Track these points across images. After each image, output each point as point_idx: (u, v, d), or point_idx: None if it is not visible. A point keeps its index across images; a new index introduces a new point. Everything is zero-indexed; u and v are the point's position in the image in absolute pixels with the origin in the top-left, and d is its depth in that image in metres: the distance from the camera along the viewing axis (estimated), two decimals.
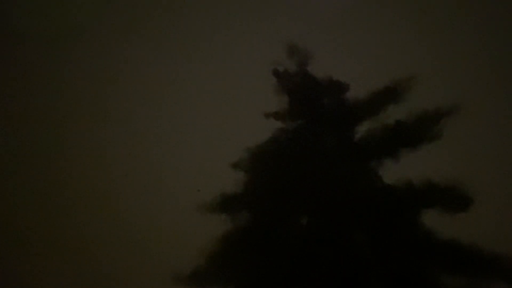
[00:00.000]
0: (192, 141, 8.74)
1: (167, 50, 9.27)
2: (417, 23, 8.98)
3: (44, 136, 8.90)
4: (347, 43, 8.94)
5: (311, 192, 7.93)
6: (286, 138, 8.42)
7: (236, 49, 9.12)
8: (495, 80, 8.46)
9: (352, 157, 8.20)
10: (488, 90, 8.37)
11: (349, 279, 7.41)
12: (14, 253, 8.19)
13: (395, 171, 7.90)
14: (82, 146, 8.89)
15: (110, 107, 9.00)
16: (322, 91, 8.60)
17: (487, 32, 8.70)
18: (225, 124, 8.75)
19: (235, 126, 8.65)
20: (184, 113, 8.91)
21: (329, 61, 8.62)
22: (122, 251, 8.14)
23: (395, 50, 8.80)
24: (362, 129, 8.33)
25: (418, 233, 7.51)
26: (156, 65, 9.15)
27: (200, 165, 8.55)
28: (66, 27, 9.31)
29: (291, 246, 7.69)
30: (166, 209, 8.36)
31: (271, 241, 7.75)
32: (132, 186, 8.58)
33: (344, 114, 8.45)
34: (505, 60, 8.57)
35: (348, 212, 7.74)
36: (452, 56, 8.73)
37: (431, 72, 8.42)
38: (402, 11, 9.05)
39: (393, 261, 7.37)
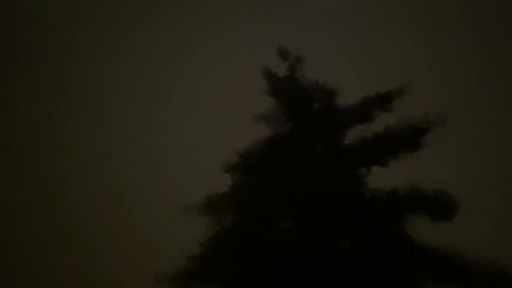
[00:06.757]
0: (180, 143, 8.73)
1: (160, 53, 9.28)
2: (408, 31, 9.07)
3: (41, 136, 8.86)
4: (338, 48, 9.00)
5: (297, 197, 7.88)
6: (275, 142, 8.40)
7: (227, 53, 9.14)
8: (483, 90, 8.55)
9: (340, 163, 8.19)
10: (476, 99, 8.46)
11: (334, 284, 7.39)
12: (11, 254, 8.13)
13: (382, 178, 7.91)
14: (70, 146, 8.85)
15: (101, 111, 8.99)
16: (312, 95, 8.61)
17: (477, 43, 8.80)
18: (214, 127, 8.75)
19: (224, 129, 8.64)
20: (173, 115, 8.90)
21: (320, 66, 8.66)
22: (109, 253, 8.09)
23: (386, 57, 8.88)
24: (351, 135, 8.35)
25: (404, 240, 7.51)
26: (148, 68, 9.16)
27: (188, 167, 8.52)
28: (66, 27, 9.31)
29: (277, 250, 7.64)
30: (152, 211, 8.33)
31: (256, 245, 7.69)
32: (119, 188, 8.53)
33: (333, 119, 8.45)
34: (493, 71, 8.67)
35: (335, 218, 7.72)
36: (442, 66, 8.82)
37: (420, 80, 8.49)
38: (394, 20, 9.14)
39: (379, 268, 7.36)
